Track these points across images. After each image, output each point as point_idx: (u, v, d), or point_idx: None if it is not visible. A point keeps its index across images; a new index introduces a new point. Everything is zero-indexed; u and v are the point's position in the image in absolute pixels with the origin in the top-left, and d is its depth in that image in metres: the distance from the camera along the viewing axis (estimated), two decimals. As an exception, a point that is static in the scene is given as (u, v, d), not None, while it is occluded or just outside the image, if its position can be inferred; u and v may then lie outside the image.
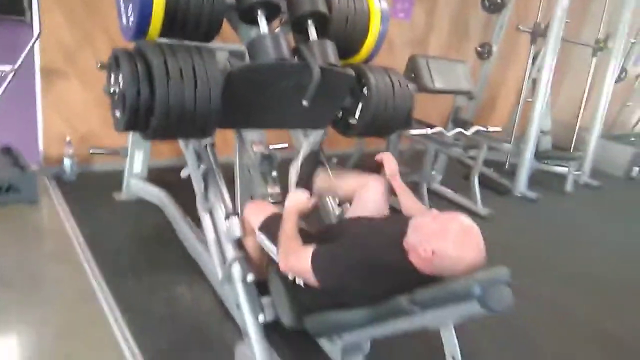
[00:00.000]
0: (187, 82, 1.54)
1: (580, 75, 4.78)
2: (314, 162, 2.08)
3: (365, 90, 2.06)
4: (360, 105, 2.09)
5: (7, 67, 2.29)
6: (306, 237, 1.58)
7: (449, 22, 4.46)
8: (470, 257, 1.28)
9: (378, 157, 1.90)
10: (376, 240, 1.49)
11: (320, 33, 2.01)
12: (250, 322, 1.69)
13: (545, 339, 2.21)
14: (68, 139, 2.68)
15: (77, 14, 2.53)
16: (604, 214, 4.19)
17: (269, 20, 1.90)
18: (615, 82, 5.56)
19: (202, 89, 1.57)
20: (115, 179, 2.75)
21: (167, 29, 1.70)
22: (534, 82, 4.09)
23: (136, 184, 2.65)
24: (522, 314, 2.35)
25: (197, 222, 2.17)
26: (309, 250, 1.43)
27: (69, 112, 2.72)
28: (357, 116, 2.12)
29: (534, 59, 4.16)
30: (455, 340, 1.33)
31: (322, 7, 1.99)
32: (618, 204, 4.53)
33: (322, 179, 2.01)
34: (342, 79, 1.92)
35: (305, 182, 1.98)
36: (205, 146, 2.00)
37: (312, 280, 1.41)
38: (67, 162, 2.69)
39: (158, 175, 2.81)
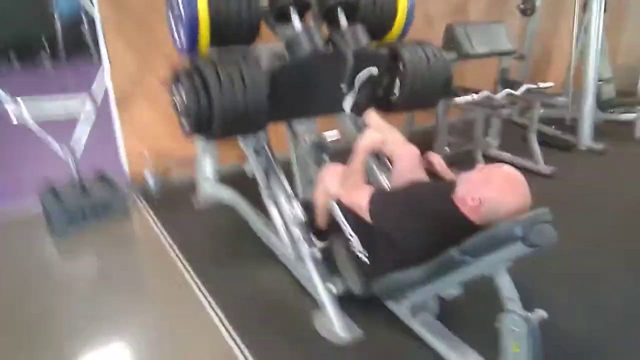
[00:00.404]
0: (237, 86, 1.75)
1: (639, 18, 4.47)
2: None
3: (400, 66, 2.16)
4: (398, 81, 2.20)
5: (84, 95, 2.62)
6: None
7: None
8: (514, 202, 1.37)
9: (426, 158, 1.92)
10: (428, 193, 1.63)
11: (351, 19, 2.15)
12: (323, 293, 1.87)
13: (616, 278, 2.19)
14: (146, 153, 3.01)
15: (136, 42, 2.85)
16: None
17: (301, 16, 2.07)
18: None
19: (250, 91, 1.78)
20: (193, 188, 3.05)
21: (214, 39, 1.92)
22: (587, 31, 3.91)
23: (209, 186, 2.93)
24: (586, 258, 2.35)
25: (266, 213, 2.40)
26: (369, 190, 1.61)
27: (143, 131, 3.06)
28: (396, 92, 2.22)
29: (584, 5, 3.97)
30: (511, 284, 1.41)
31: (347, -5, 2.12)
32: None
33: (373, 118, 2.08)
34: (374, 59, 2.04)
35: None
36: (262, 145, 2.21)
37: (367, 216, 1.58)
38: (149, 177, 3.03)
39: (226, 178, 3.08)
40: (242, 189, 2.76)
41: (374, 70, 2.05)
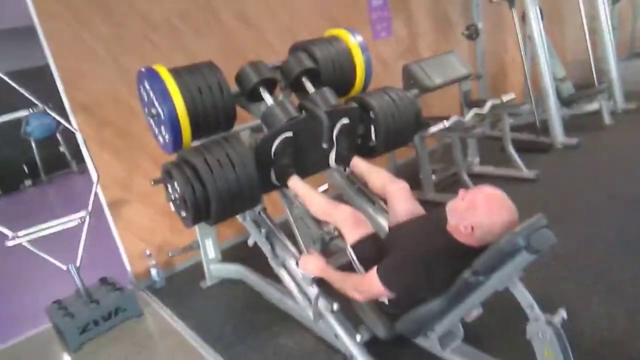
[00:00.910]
0: (226, 168, 1.85)
1: (577, 14, 4.81)
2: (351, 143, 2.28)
3: (372, 114, 2.30)
4: (372, 128, 2.33)
5: (83, 213, 2.71)
6: (377, 252, 1.79)
7: (429, 21, 4.69)
8: (504, 219, 1.45)
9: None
10: (423, 235, 1.67)
11: (316, 83, 2.31)
12: (350, 344, 1.89)
13: (622, 266, 2.25)
14: (148, 252, 3.06)
15: (120, 149, 2.98)
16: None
17: (270, 92, 2.22)
18: (614, 2, 5.54)
19: (240, 169, 1.88)
20: (197, 271, 3.09)
21: (196, 133, 2.04)
22: (531, 39, 4.19)
23: (216, 268, 2.97)
24: (590, 251, 2.42)
25: (276, 280, 2.44)
26: (372, 273, 1.62)
27: (141, 230, 3.12)
28: (373, 138, 2.35)
29: (523, 17, 4.27)
30: (526, 292, 1.47)
31: (309, 63, 2.30)
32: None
33: (358, 164, 2.22)
34: (346, 113, 2.18)
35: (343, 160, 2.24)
36: (259, 213, 2.28)
37: (388, 294, 1.61)
38: (153, 271, 3.06)
39: (230, 255, 3.14)
40: (246, 260, 2.82)
41: (345, 121, 2.18)
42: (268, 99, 2.17)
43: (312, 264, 1.92)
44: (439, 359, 1.85)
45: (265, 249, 2.23)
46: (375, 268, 1.62)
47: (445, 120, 3.11)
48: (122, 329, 2.67)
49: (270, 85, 2.21)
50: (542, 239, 1.35)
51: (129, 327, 2.67)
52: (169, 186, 1.96)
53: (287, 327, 2.31)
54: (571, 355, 1.42)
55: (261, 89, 2.17)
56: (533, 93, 4.28)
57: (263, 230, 2.23)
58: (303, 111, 2.13)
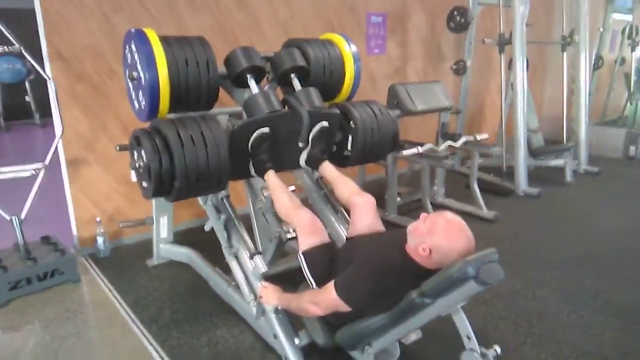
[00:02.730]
0: (198, 146, 1.81)
1: (559, 72, 5.04)
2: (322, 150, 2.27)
3: (352, 124, 2.32)
4: (350, 138, 2.34)
5: (39, 165, 2.59)
6: (329, 261, 1.79)
7: (422, 48, 4.80)
8: (461, 246, 1.48)
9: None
10: (383, 251, 1.67)
11: (304, 82, 2.31)
12: (288, 347, 1.88)
13: (558, 313, 2.35)
14: (98, 219, 2.95)
15: (91, 107, 2.87)
16: (606, 196, 4.34)
17: (257, 81, 2.20)
18: (595, 69, 5.85)
19: (212, 150, 1.84)
20: (145, 248, 3.01)
21: (174, 105, 1.99)
22: (513, 87, 4.35)
23: (165, 248, 2.89)
24: (532, 295, 2.52)
25: (225, 270, 2.40)
26: (329, 287, 1.60)
27: (95, 195, 3.01)
28: (349, 147, 2.37)
29: (509, 64, 4.44)
30: (467, 322, 1.50)
31: (301, 61, 2.30)
32: (619, 185, 4.68)
33: (328, 170, 2.22)
34: (327, 117, 2.18)
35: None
36: (222, 199, 2.25)
37: (346, 307, 1.59)
38: (100, 240, 2.95)
39: (182, 237, 3.07)
40: (198, 246, 2.77)
41: (324, 124, 2.18)
42: (254, 87, 2.15)
43: (270, 295, 1.90)
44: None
45: (221, 236, 2.20)
46: (333, 281, 1.61)
47: (419, 146, 3.17)
48: (55, 292, 2.55)
49: (258, 74, 2.19)
50: (492, 272, 1.38)
51: (63, 292, 2.56)
52: (135, 153, 1.90)
53: (227, 320, 2.27)
54: (498, 389, 1.46)
55: (248, 76, 2.15)
56: (505, 138, 4.43)
57: (222, 217, 2.19)
58: (285, 106, 2.12)
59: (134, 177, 2.03)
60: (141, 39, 1.90)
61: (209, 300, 2.44)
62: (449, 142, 3.34)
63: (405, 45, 4.64)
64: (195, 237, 3.06)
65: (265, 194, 2.24)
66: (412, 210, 3.67)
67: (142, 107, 2.00)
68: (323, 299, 1.63)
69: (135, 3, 2.91)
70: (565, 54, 4.92)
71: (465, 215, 3.67)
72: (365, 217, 1.98)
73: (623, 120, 6.59)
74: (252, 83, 2.16)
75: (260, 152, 2.06)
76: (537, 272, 2.79)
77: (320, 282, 1.76)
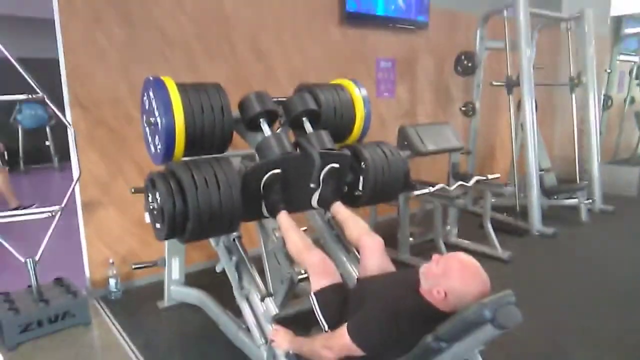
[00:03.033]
0: (211, 188, 1.85)
1: (568, 112, 5.08)
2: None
3: (362, 164, 2.35)
4: (361, 178, 2.37)
5: (55, 207, 2.64)
6: (340, 302, 1.77)
7: (430, 91, 4.90)
8: (476, 288, 1.46)
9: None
10: (396, 293, 1.64)
11: (315, 125, 2.36)
12: (300, 393, 1.82)
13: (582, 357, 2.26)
14: (111, 260, 2.97)
15: (108, 150, 2.95)
16: (623, 236, 4.25)
17: (270, 124, 2.26)
18: (604, 109, 5.89)
19: (225, 191, 1.87)
20: (156, 289, 3.00)
21: (189, 149, 2.04)
22: (523, 127, 4.38)
23: (176, 290, 2.88)
24: (552, 340, 2.44)
25: (236, 313, 2.37)
26: (342, 330, 1.57)
27: (109, 237, 3.04)
28: (360, 188, 2.38)
29: (518, 105, 4.49)
30: (484, 366, 1.46)
31: (312, 105, 2.36)
32: (635, 224, 4.60)
33: (339, 210, 2.21)
34: (338, 158, 2.22)
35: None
36: (234, 240, 2.26)
37: (359, 352, 1.54)
38: (112, 282, 2.95)
39: (194, 279, 3.06)
40: (209, 288, 2.75)
41: (335, 165, 2.22)
42: (266, 130, 2.20)
43: (282, 338, 1.87)
44: None
45: (232, 277, 2.19)
46: (345, 325, 1.58)
47: (431, 187, 3.18)
48: (65, 335, 2.53)
49: (271, 118, 2.25)
50: (509, 315, 1.35)
51: (73, 335, 2.54)
52: (150, 195, 1.94)
53: (239, 362, 2.23)
54: None
55: (261, 120, 2.21)
56: (517, 178, 4.42)
57: (234, 258, 2.19)
58: (297, 149, 2.16)
59: (147, 218, 2.06)
60: (159, 85, 1.98)
61: (219, 344, 2.40)
62: (461, 182, 3.34)
63: (414, 88, 4.74)
64: (206, 279, 3.04)
65: (277, 234, 2.24)
66: (425, 250, 3.62)
67: (158, 150, 2.06)
68: (336, 343, 1.59)
69: (155, 53, 3.05)
70: (573, 95, 4.97)
71: (479, 255, 3.67)
72: (374, 258, 1.96)
73: (636, 158, 6.55)
74: (264, 126, 2.21)
75: (272, 193, 2.08)
76: (555, 315, 2.71)
77: (332, 323, 1.73)
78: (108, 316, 2.77)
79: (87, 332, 2.59)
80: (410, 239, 3.57)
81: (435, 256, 1.58)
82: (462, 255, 1.54)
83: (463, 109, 4.68)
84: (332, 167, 2.21)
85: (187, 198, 1.80)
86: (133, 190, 2.19)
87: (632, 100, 6.64)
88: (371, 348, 1.56)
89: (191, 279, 3.04)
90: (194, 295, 2.78)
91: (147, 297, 2.99)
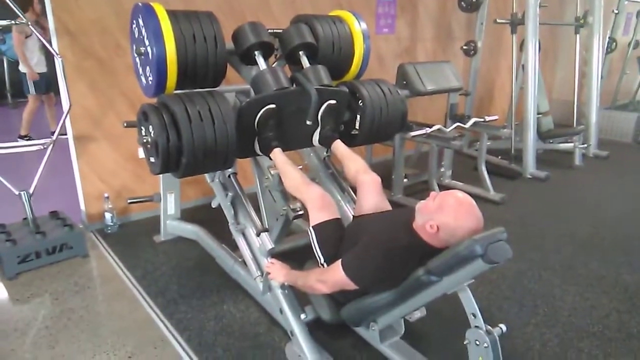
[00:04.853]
0: (206, 122, 1.80)
1: (571, 55, 4.95)
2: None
3: (360, 103, 2.30)
4: (358, 117, 2.32)
5: (47, 140, 2.60)
6: (338, 238, 1.80)
7: (431, 28, 4.72)
8: (469, 224, 1.48)
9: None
10: (390, 230, 1.67)
11: (312, 60, 2.28)
12: (294, 322, 1.90)
13: (563, 295, 2.36)
14: (106, 195, 2.97)
15: (98, 83, 2.86)
16: (614, 180, 4.30)
17: (265, 58, 2.17)
18: (607, 53, 5.74)
19: (219, 126, 1.83)
20: (152, 224, 3.03)
21: (181, 81, 1.97)
22: (524, 69, 4.28)
23: (172, 225, 2.92)
24: (537, 277, 2.53)
25: (232, 247, 2.42)
26: (337, 265, 1.61)
27: (103, 171, 3.02)
28: (357, 127, 2.35)
29: (521, 46, 4.36)
30: (473, 300, 1.50)
31: (310, 38, 2.27)
32: (628, 170, 4.64)
33: (339, 148, 2.20)
34: (335, 95, 2.16)
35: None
36: (229, 176, 2.25)
37: (352, 286, 1.60)
38: (107, 216, 2.98)
39: (189, 215, 3.09)
40: (205, 223, 2.79)
41: (332, 102, 2.16)
42: (261, 63, 2.13)
43: (277, 270, 1.91)
44: (374, 352, 1.88)
45: (228, 213, 2.20)
46: (340, 260, 1.62)
47: (427, 128, 3.15)
48: (63, 266, 2.59)
49: (266, 51, 2.17)
50: (500, 251, 1.38)
51: (71, 266, 2.60)
52: (142, 128, 1.90)
53: (234, 295, 2.30)
54: (502, 366, 1.47)
55: (256, 52, 2.12)
56: (514, 121, 4.38)
57: (230, 194, 2.19)
58: (294, 84, 2.10)
59: (141, 153, 2.03)
60: (149, 12, 1.88)
61: (216, 276, 2.47)
62: (458, 124, 3.30)
63: (414, 24, 4.56)
64: (202, 215, 3.08)
65: (272, 172, 2.23)
66: (419, 191, 3.66)
67: (150, 82, 1.99)
68: (330, 277, 1.63)
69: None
70: (578, 36, 4.82)
71: (472, 197, 3.70)
72: (371, 195, 1.98)
73: (634, 104, 6.48)
74: (260, 59, 2.14)
75: (266, 130, 2.05)
76: (542, 254, 2.79)
77: (329, 258, 1.77)
78: (105, 249, 2.81)
79: (85, 264, 2.65)
80: (405, 180, 3.58)
81: (432, 193, 1.59)
82: (458, 192, 1.54)
83: (465, 47, 4.55)
84: (330, 104, 2.16)
85: (181, 132, 1.76)
86: (125, 125, 2.14)
87: (637, 44, 6.46)
88: (364, 282, 1.61)
89: (187, 215, 3.07)
90: (190, 230, 2.82)
91: (144, 231, 3.03)
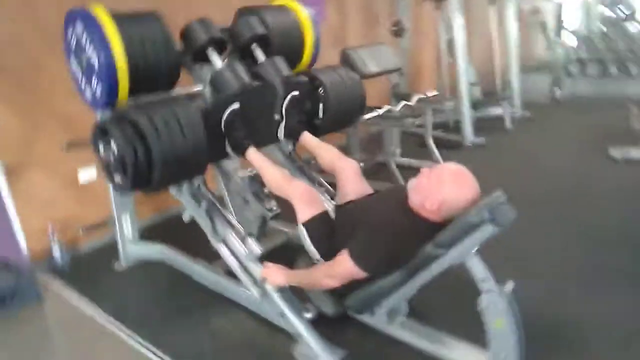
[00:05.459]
0: (174, 130, 1.67)
1: (485, 26, 5.24)
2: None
3: (321, 91, 2.25)
4: (321, 105, 2.28)
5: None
6: (329, 230, 1.74)
7: (358, 13, 4.76)
8: (468, 193, 1.50)
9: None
10: (388, 213, 1.64)
11: (266, 53, 2.19)
12: (298, 323, 1.82)
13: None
14: (50, 227, 2.67)
15: (20, 104, 2.54)
16: (542, 138, 4.65)
17: (218, 54, 2.05)
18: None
19: (189, 132, 1.71)
20: (108, 251, 2.76)
21: (133, 89, 1.81)
22: (450, 43, 4.46)
23: (133, 248, 2.68)
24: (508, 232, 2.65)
25: (207, 260, 2.28)
26: (342, 257, 1.55)
27: (41, 203, 2.70)
28: (321, 116, 2.30)
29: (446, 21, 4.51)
30: (482, 266, 1.53)
31: (261, 29, 2.18)
32: (551, 126, 5.03)
33: (308, 139, 2.15)
34: (298, 86, 2.10)
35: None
36: (198, 186, 2.11)
37: (363, 274, 1.56)
38: (56, 250, 2.68)
39: (148, 234, 2.86)
40: (168, 240, 2.59)
41: (295, 93, 2.11)
42: (217, 61, 2.01)
43: (275, 275, 1.81)
44: (384, 335, 1.86)
45: (205, 224, 2.07)
46: (344, 252, 1.56)
47: (377, 109, 3.18)
48: (21, 315, 2.27)
49: (219, 47, 2.05)
50: (506, 213, 1.42)
51: (30, 313, 2.30)
52: (101, 146, 1.71)
53: (223, 309, 2.16)
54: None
55: (209, 50, 2.00)
56: (448, 94, 4.57)
57: (203, 204, 2.06)
58: (255, 79, 2.01)
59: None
60: (89, 18, 1.70)
61: (197, 293, 2.30)
62: (405, 102, 3.37)
63: (343, 11, 4.58)
64: (161, 232, 2.87)
65: (240, 174, 2.14)
66: (377, 173, 3.69)
67: (98, 93, 1.80)
68: (340, 271, 1.58)
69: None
70: (492, 8, 5.11)
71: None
72: (352, 181, 1.95)
73: (545, 65, 6.98)
74: (214, 57, 2.02)
75: (235, 130, 1.94)
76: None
77: (324, 252, 1.72)
78: (62, 288, 2.53)
79: (42, 309, 2.36)
80: (361, 163, 3.58)
81: (424, 170, 1.59)
82: (451, 165, 1.56)
83: (394, 28, 4.64)
84: (293, 95, 2.09)
85: (149, 144, 1.61)
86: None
87: (536, 10, 7.00)
88: (374, 269, 1.58)
89: (145, 235, 2.84)
90: (155, 250, 2.61)
91: (101, 260, 2.75)
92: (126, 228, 2.67)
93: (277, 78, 1.99)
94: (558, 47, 6.27)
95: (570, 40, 6.78)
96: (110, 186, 1.82)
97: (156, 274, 2.57)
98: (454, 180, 1.51)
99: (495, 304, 1.49)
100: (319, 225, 1.75)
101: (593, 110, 5.46)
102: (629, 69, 5.88)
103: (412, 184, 1.60)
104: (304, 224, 1.75)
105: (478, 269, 1.53)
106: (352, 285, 1.71)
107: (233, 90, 1.90)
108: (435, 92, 3.68)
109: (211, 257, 2.25)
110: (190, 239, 2.10)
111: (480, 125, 4.87)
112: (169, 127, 1.65)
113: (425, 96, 3.61)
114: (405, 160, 3.92)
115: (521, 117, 5.21)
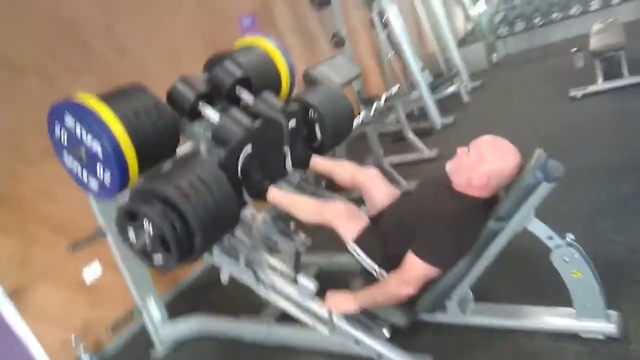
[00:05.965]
0: (202, 191, 1.60)
1: (411, 12, 5.46)
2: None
3: (313, 113, 2.25)
4: (317, 125, 2.27)
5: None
6: (379, 241, 1.71)
7: (293, 34, 4.83)
8: (512, 160, 1.53)
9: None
10: (440, 204, 1.62)
11: (250, 92, 2.17)
12: (377, 344, 1.78)
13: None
14: (73, 337, 2.48)
15: (7, 224, 2.38)
16: (500, 99, 4.88)
17: (210, 107, 2.01)
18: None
19: (215, 188, 1.65)
20: (140, 343, 2.61)
21: (142, 165, 1.73)
22: (390, 37, 4.59)
23: (166, 330, 2.53)
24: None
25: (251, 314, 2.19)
26: (411, 261, 1.53)
27: (54, 315, 2.52)
28: (319, 136, 2.29)
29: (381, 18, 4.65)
30: (544, 225, 1.55)
31: (240, 72, 2.16)
32: (502, 89, 5.25)
33: (319, 162, 2.13)
34: (296, 114, 2.09)
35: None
36: (227, 241, 2.03)
37: (437, 272, 1.54)
38: (86, 358, 2.49)
39: (174, 312, 2.70)
40: (199, 310, 2.46)
41: (292, 122, 2.10)
42: (211, 114, 1.96)
43: (344, 302, 1.77)
44: (461, 327, 1.85)
45: (247, 278, 1.98)
46: (411, 255, 1.54)
47: (358, 115, 3.21)
48: None
49: (208, 100, 2.01)
50: (555, 167, 1.46)
51: None
52: (130, 230, 1.62)
53: (289, 358, 2.06)
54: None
55: (201, 105, 1.96)
56: (406, 84, 4.69)
57: (242, 257, 1.98)
58: (255, 119, 1.98)
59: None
60: (77, 107, 1.61)
61: (253, 353, 2.18)
62: (377, 103, 3.42)
63: (278, 36, 4.62)
64: (187, 304, 2.73)
65: (260, 217, 2.08)
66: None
67: (108, 181, 1.70)
68: (413, 274, 1.55)
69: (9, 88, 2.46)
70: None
71: (411, 163, 3.87)
72: (379, 188, 1.95)
73: (475, 35, 7.29)
74: (208, 111, 1.97)
75: (251, 174, 1.90)
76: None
77: (382, 263, 1.69)
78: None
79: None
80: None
81: (460, 149, 1.61)
82: (484, 137, 1.59)
83: (335, 40, 4.72)
84: (291, 126, 2.08)
85: (183, 213, 1.54)
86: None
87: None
88: (447, 263, 1.57)
89: (171, 314, 2.68)
90: (192, 324, 2.47)
91: (135, 354, 2.59)
92: (153, 310, 2.53)
93: (276, 112, 1.97)
94: (481, 16, 6.59)
95: (487, 6, 7.09)
96: (146, 268, 1.71)
97: (199, 349, 2.43)
98: (494, 150, 1.54)
99: (570, 256, 1.51)
100: (370, 238, 1.73)
101: (533, 62, 5.78)
102: (550, 16, 6.26)
103: (452, 167, 1.62)
104: (355, 241, 1.72)
105: (541, 229, 1.56)
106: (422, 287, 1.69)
107: (238, 137, 1.86)
108: (397, 87, 3.76)
109: (249, 312, 2.14)
110: (223, 298, 1.98)
111: (441, 107, 5.02)
112: (196, 189, 1.59)
113: (390, 93, 3.69)
114: (396, 158, 3.96)
115: (473, 88, 5.42)
